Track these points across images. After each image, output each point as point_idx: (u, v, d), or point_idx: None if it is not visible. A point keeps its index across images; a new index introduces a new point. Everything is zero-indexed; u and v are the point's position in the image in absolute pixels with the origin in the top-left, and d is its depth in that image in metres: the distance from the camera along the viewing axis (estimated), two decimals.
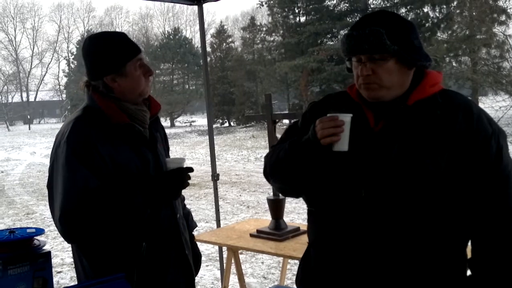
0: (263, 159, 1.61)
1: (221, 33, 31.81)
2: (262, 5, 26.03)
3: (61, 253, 5.56)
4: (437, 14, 21.58)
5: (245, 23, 35.20)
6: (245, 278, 3.52)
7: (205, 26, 3.96)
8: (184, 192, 1.81)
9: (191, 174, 1.71)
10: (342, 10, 24.30)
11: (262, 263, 4.92)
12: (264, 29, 28.91)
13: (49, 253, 1.45)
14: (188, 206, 2.08)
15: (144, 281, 1.67)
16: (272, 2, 25.81)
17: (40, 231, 1.50)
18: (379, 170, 1.33)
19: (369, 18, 1.36)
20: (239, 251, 3.27)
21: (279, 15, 26.05)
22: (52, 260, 1.49)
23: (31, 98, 49.37)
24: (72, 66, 41.88)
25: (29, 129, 38.46)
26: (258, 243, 2.90)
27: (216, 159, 3.85)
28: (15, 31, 49.50)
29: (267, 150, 1.67)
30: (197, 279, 2.00)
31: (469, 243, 1.40)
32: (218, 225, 3.74)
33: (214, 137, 3.88)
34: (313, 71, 22.88)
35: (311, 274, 1.50)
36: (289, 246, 2.79)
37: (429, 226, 1.32)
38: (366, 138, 1.36)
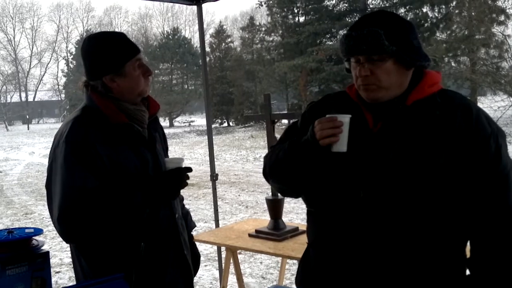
0: (262, 159, 1.61)
1: (220, 33, 31.80)
2: (261, 5, 26.04)
3: (59, 253, 5.56)
4: (436, 14, 21.61)
5: (244, 23, 35.24)
6: (243, 278, 3.52)
7: (204, 26, 3.96)
8: (183, 192, 1.81)
9: (190, 174, 1.71)
10: (341, 10, 24.30)
11: (261, 263, 4.92)
12: (263, 29, 28.92)
13: (47, 253, 1.45)
14: (187, 206, 2.08)
15: (143, 281, 1.67)
16: (271, 2, 25.80)
17: (38, 231, 1.50)
18: (377, 171, 1.33)
19: (367, 19, 1.35)
20: (238, 251, 3.27)
21: (278, 15, 26.05)
22: (51, 260, 1.49)
23: (30, 98, 49.32)
24: (71, 66, 41.86)
25: (28, 129, 38.41)
26: (257, 243, 2.90)
27: (215, 159, 3.85)
28: (14, 31, 49.46)
29: (266, 150, 1.67)
30: (195, 279, 2.01)
31: (468, 243, 1.40)
32: (217, 225, 3.74)
33: (213, 137, 3.88)
34: (312, 71, 22.89)
35: (311, 274, 1.50)
36: (288, 246, 2.79)
37: (428, 226, 1.32)
38: (365, 138, 1.36)
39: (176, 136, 24.97)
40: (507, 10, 15.98)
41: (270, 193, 3.12)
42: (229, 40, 32.43)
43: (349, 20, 23.00)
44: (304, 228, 2.86)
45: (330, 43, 23.37)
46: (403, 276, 1.33)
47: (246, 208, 7.88)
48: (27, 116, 43.69)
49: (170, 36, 37.03)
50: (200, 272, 3.61)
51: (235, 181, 10.75)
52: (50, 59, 50.89)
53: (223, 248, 3.42)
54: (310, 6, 24.67)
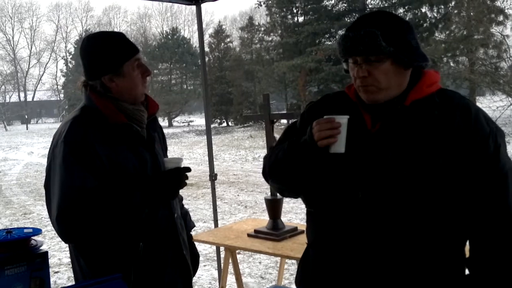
0: (261, 159, 1.62)
1: (219, 33, 31.79)
2: (261, 5, 26.05)
3: (58, 253, 5.55)
4: (435, 14, 21.63)
5: (243, 23, 35.20)
6: (242, 278, 3.52)
7: (203, 26, 3.95)
8: (182, 192, 1.81)
9: (188, 174, 1.71)
10: (340, 10, 24.31)
11: (260, 263, 4.92)
12: (262, 29, 28.91)
13: (46, 253, 1.45)
14: (186, 206, 2.08)
15: (141, 281, 1.67)
16: (270, 2, 25.80)
17: (37, 231, 1.50)
18: (376, 171, 1.33)
19: (365, 19, 1.35)
20: (237, 251, 3.27)
21: (277, 15, 26.04)
22: (49, 260, 1.49)
23: (29, 98, 49.20)
24: (70, 66, 41.79)
25: (27, 129, 38.38)
26: (256, 243, 2.90)
27: (214, 159, 3.85)
28: (13, 30, 49.36)
29: (265, 150, 1.67)
30: (194, 279, 2.01)
31: (467, 243, 1.40)
32: (216, 225, 3.74)
33: (212, 137, 3.88)
34: (311, 71, 22.89)
35: (310, 275, 1.50)
36: (287, 246, 2.79)
37: (427, 226, 1.32)
38: (363, 139, 1.36)
39: (175, 136, 24.96)
40: (506, 10, 16.01)
41: (269, 193, 3.12)
42: (228, 40, 32.43)
43: (348, 20, 23.00)
44: (303, 228, 2.87)
45: (329, 43, 23.37)
46: (403, 276, 1.33)
47: (245, 208, 7.88)
48: (26, 116, 43.65)
49: (169, 36, 37.00)
50: (199, 272, 3.61)
51: (234, 181, 10.75)
52: (49, 59, 50.84)
53: (222, 248, 3.42)
54: (309, 6, 24.67)
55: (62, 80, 45.57)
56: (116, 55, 1.66)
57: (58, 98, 48.21)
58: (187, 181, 1.71)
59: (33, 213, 8.22)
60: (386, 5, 22.75)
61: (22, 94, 48.92)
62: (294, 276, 1.61)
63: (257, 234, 3.00)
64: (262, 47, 28.25)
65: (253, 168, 12.69)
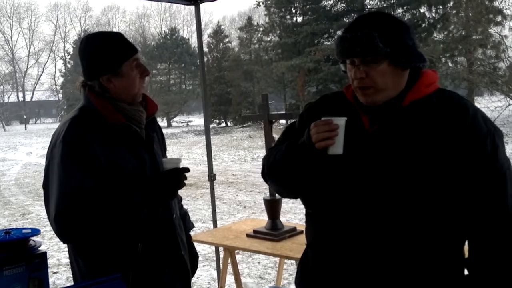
0: (260, 159, 1.62)
1: (218, 33, 31.78)
2: (259, 5, 26.03)
3: (57, 253, 5.55)
4: (433, 15, 21.65)
5: (242, 23, 35.20)
6: (241, 278, 3.52)
7: (202, 26, 3.95)
8: (181, 192, 1.81)
9: (187, 174, 1.71)
10: (339, 10, 24.32)
11: (259, 263, 4.92)
12: (261, 29, 28.90)
13: (45, 253, 1.45)
14: (184, 206, 2.08)
15: (140, 282, 1.67)
16: (269, 2, 25.80)
17: (36, 232, 1.49)
18: (374, 172, 1.33)
19: (361, 20, 1.35)
20: (236, 251, 3.26)
21: (276, 15, 26.04)
22: (48, 261, 1.48)
23: (28, 98, 49.14)
24: (69, 66, 41.70)
25: (25, 129, 38.33)
26: (255, 243, 2.90)
27: (213, 159, 3.85)
28: (11, 30, 49.26)
29: (264, 150, 1.68)
30: (193, 279, 2.01)
31: (466, 243, 1.40)
32: (215, 225, 3.74)
33: (211, 137, 3.88)
34: (310, 71, 22.90)
35: (310, 275, 1.50)
36: (286, 246, 2.79)
37: (426, 226, 1.32)
38: (361, 140, 1.36)
39: (174, 136, 24.95)
40: (504, 11, 16.02)
41: (268, 193, 3.12)
42: (227, 40, 32.43)
43: (347, 20, 22.99)
44: (302, 228, 2.87)
45: (328, 43, 23.37)
46: (402, 277, 1.33)
47: (244, 208, 7.88)
48: (25, 116, 43.58)
49: (168, 36, 36.98)
50: (198, 272, 3.61)
51: (233, 181, 10.74)
52: (48, 59, 50.74)
53: (221, 248, 3.42)
54: (307, 6, 24.67)
55: (60, 80, 45.53)
56: (115, 55, 1.66)
57: (57, 98, 48.15)
58: (186, 182, 1.71)
59: (31, 214, 8.21)
60: (384, 5, 22.77)
61: (20, 94, 48.87)
62: (293, 276, 1.62)
63: (256, 234, 3.00)
64: (261, 47, 28.24)
65: (252, 168, 12.70)
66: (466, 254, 1.41)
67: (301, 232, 2.91)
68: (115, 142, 1.65)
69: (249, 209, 7.78)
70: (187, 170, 1.71)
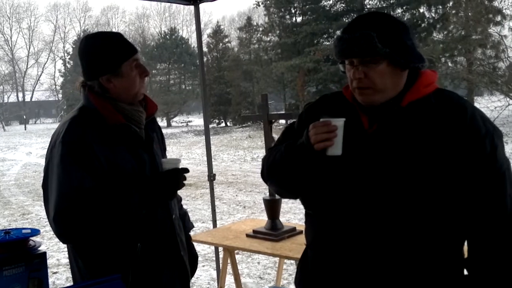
0: (259, 159, 1.62)
1: (217, 33, 31.79)
2: (259, 5, 26.03)
3: (56, 253, 5.54)
4: (433, 15, 21.66)
5: (241, 23, 35.20)
6: (241, 278, 3.52)
7: (202, 26, 3.95)
8: (181, 192, 1.81)
9: (187, 174, 1.71)
10: (339, 10, 24.32)
11: (258, 263, 4.93)
12: (261, 29, 28.91)
13: (44, 253, 1.45)
14: (184, 206, 2.08)
15: (139, 282, 1.67)
16: (268, 2, 25.81)
17: (35, 232, 1.50)
18: (373, 173, 1.33)
19: (360, 21, 1.35)
20: (235, 251, 3.27)
21: (275, 15, 26.05)
22: (48, 261, 1.49)
23: (27, 98, 49.15)
24: (68, 66, 41.69)
25: (25, 129, 38.31)
26: (254, 243, 2.90)
27: (213, 159, 3.85)
28: (11, 31, 49.26)
29: (263, 150, 1.68)
30: (193, 279, 2.01)
31: (466, 243, 1.41)
32: (215, 225, 3.74)
33: (211, 137, 3.88)
34: (309, 71, 22.90)
35: (309, 276, 1.50)
36: (285, 246, 2.79)
37: (425, 226, 1.32)
38: (360, 140, 1.36)
39: (173, 136, 24.95)
40: (504, 11, 16.02)
41: (268, 193, 3.12)
42: (226, 40, 32.44)
43: (346, 20, 22.98)
44: (302, 228, 2.87)
45: (327, 43, 23.37)
46: (401, 277, 1.33)
47: (243, 208, 7.89)
48: (24, 116, 43.57)
49: (167, 36, 36.99)
50: (197, 272, 3.61)
51: (232, 181, 10.74)
52: (47, 59, 50.74)
53: (220, 249, 3.42)
54: (307, 6, 24.68)
55: (60, 80, 45.53)
56: (114, 56, 1.66)
57: (56, 98, 48.16)
58: (185, 182, 1.71)
59: (31, 214, 8.21)
60: (384, 5, 22.77)
61: (20, 94, 48.86)
62: (293, 276, 1.62)
63: (255, 234, 3.00)
64: (261, 47, 28.25)
65: (252, 168, 12.70)
66: (466, 254, 1.41)
67: (301, 232, 2.91)
68: (115, 142, 1.65)
69: (248, 209, 7.78)
70: (186, 170, 1.71)
